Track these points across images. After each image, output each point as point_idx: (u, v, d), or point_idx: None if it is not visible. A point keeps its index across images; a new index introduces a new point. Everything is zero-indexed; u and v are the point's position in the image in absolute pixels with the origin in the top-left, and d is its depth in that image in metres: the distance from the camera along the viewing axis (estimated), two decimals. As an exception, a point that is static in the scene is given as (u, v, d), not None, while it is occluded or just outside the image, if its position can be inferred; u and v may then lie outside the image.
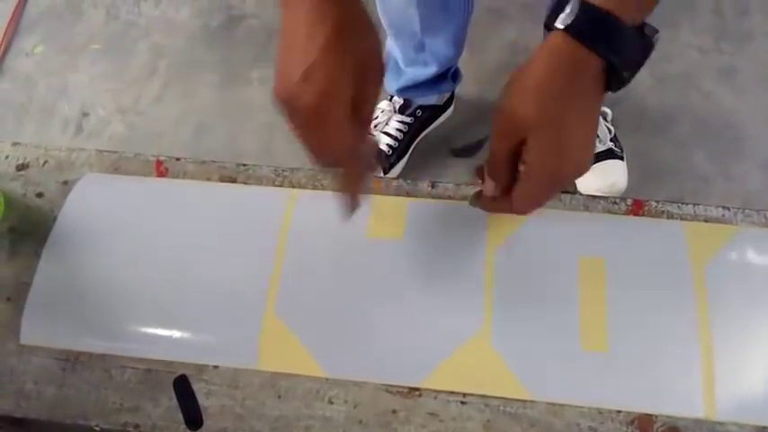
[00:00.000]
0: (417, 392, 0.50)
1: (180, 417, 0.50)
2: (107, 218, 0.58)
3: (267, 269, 0.54)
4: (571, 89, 0.44)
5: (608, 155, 1.20)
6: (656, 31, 0.44)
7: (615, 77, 0.44)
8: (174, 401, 0.50)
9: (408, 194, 0.58)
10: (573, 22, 0.42)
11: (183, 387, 0.51)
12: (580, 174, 0.47)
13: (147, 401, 0.51)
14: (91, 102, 1.45)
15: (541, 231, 0.55)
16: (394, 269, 0.54)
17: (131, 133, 1.40)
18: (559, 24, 0.43)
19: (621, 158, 1.21)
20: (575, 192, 0.58)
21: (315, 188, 0.59)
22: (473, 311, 0.52)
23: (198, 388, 0.51)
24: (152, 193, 0.59)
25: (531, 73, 0.45)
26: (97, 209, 0.59)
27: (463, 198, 0.58)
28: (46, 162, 0.62)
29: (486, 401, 0.49)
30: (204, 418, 0.50)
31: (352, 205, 0.49)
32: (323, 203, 0.58)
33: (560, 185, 0.47)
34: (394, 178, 0.60)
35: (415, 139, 1.29)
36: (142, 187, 0.60)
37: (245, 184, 0.59)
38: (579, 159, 0.46)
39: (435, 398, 0.50)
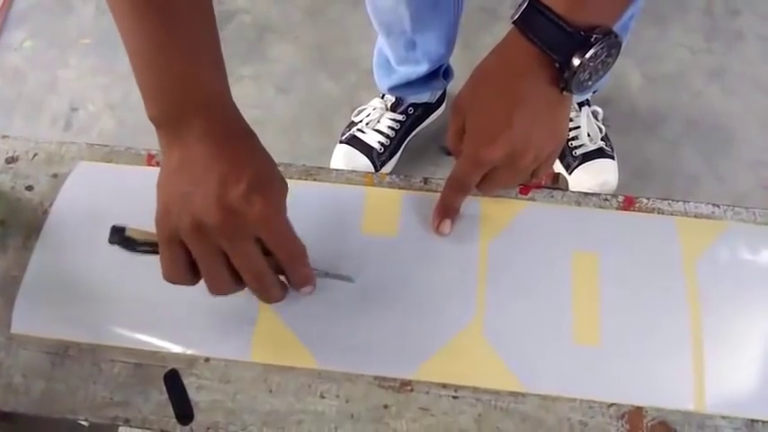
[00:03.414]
0: (409, 387, 0.50)
1: (170, 411, 0.50)
2: (101, 207, 0.58)
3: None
4: (509, 78, 0.48)
5: (599, 154, 1.20)
6: (614, 37, 0.45)
7: (562, 76, 0.46)
8: (165, 396, 0.50)
9: (401, 190, 0.58)
10: (520, 16, 0.46)
11: (173, 381, 0.51)
12: (506, 162, 0.49)
13: (137, 396, 0.50)
14: (80, 97, 1.44)
15: (535, 226, 0.55)
16: (388, 263, 0.54)
17: (121, 129, 1.39)
18: (512, 18, 0.47)
19: (612, 158, 1.22)
20: (566, 189, 0.58)
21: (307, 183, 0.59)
22: (465, 304, 0.52)
23: (189, 382, 0.51)
24: (146, 183, 0.58)
25: (482, 61, 0.50)
26: (91, 198, 0.58)
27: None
28: (36, 155, 0.61)
29: (478, 396, 0.49)
30: (195, 412, 0.50)
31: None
32: (317, 197, 0.58)
33: (481, 168, 0.50)
34: (387, 174, 0.60)
35: (406, 137, 1.29)
36: (136, 176, 0.59)
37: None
38: (505, 147, 0.48)
39: (427, 392, 0.50)
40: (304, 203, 0.57)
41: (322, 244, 0.55)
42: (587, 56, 0.44)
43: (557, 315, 0.52)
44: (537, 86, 0.47)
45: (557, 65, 0.46)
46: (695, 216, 0.56)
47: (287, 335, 0.52)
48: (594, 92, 1.25)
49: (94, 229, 0.56)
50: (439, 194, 0.55)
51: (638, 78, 1.39)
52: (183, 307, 0.53)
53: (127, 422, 0.49)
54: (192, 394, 0.50)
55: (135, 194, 0.58)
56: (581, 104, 1.23)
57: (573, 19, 0.44)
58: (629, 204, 0.57)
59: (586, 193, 0.57)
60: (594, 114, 1.23)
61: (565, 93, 0.48)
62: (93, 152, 0.61)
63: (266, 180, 0.45)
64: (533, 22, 0.45)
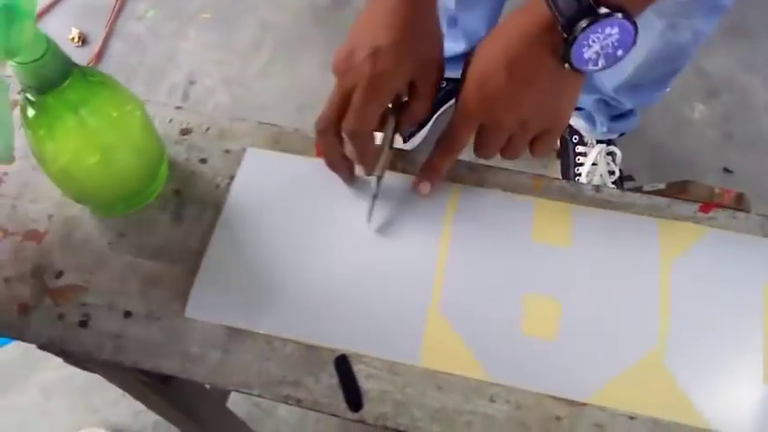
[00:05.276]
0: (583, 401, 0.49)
1: (341, 395, 0.50)
2: (276, 198, 0.58)
3: (431, 264, 0.54)
4: (513, 39, 0.50)
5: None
6: (629, 22, 0.44)
7: (565, 43, 0.45)
8: (335, 380, 0.51)
9: (571, 197, 0.57)
10: None
11: (343, 367, 0.51)
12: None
13: (307, 377, 0.51)
14: (198, 70, 1.47)
15: (720, 251, 0.53)
16: (561, 277, 0.53)
17: (235, 104, 1.42)
18: None
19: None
20: (749, 210, 0.55)
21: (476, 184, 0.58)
22: (646, 329, 0.50)
23: (358, 369, 0.51)
24: (322, 175, 0.58)
25: (502, 38, 0.51)
26: (265, 188, 0.59)
27: (628, 205, 0.56)
28: (208, 129, 0.63)
29: (656, 420, 0.48)
30: (364, 401, 0.50)
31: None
32: (485, 199, 0.57)
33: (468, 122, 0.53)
34: (557, 178, 0.59)
35: (436, 111, 1.27)
36: (310, 167, 0.59)
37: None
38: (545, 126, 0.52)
39: (602, 409, 0.49)
40: (472, 204, 0.57)
41: (491, 247, 0.55)
42: (591, 25, 0.43)
43: (745, 354, 0.49)
44: (537, 51, 0.48)
45: (560, 29, 0.45)
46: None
47: (455, 342, 0.51)
48: (622, 134, 1.19)
49: (269, 220, 0.57)
50: (611, 210, 0.53)
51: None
52: (354, 307, 0.53)
53: (298, 402, 0.50)
54: (361, 382, 0.50)
55: (309, 185, 0.59)
56: (599, 142, 1.18)
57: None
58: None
59: (770, 219, 0.55)
60: (611, 155, 1.18)
61: (567, 66, 0.47)
62: (263, 131, 0.62)
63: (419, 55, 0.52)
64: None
